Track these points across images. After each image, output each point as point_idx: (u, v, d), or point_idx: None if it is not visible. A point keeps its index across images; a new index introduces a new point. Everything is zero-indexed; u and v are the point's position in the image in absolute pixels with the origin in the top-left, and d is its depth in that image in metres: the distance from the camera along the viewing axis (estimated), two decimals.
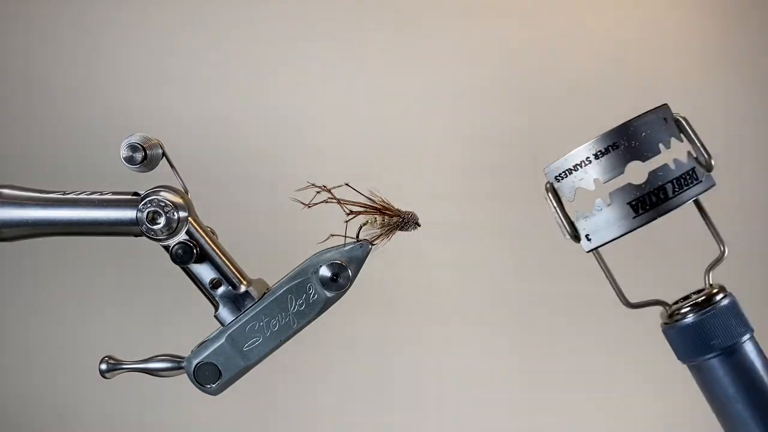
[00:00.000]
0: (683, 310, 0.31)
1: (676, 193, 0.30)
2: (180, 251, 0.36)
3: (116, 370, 0.38)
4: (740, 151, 0.99)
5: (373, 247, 0.37)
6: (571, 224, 0.32)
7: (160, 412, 0.92)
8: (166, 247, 0.36)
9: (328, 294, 0.36)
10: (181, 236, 0.36)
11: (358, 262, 0.36)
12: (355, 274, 0.36)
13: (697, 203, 0.33)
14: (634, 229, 0.30)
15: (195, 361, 0.37)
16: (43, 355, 0.92)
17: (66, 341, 0.92)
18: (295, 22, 0.94)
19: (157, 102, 0.93)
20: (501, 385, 0.94)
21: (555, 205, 0.32)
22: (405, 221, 0.37)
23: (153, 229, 0.36)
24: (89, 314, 0.92)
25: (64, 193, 0.37)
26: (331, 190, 0.36)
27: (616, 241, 0.30)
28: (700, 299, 0.31)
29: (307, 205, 0.36)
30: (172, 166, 0.38)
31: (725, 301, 0.30)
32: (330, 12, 0.94)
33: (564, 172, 0.31)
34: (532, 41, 0.96)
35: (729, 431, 0.30)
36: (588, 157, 0.30)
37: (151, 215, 0.36)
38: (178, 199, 0.36)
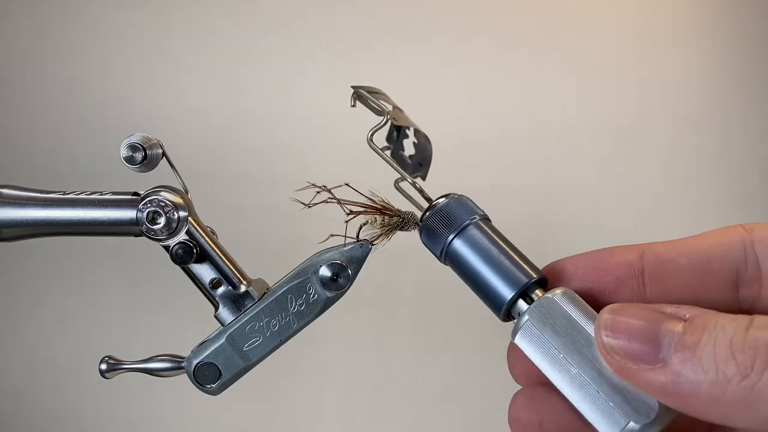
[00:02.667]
0: (426, 214, 0.36)
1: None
2: (180, 251, 0.36)
3: (116, 370, 0.38)
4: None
5: (373, 247, 0.37)
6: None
7: (160, 412, 0.92)
8: (166, 247, 0.36)
9: (328, 294, 0.36)
10: (181, 236, 0.36)
11: (358, 262, 0.36)
12: (355, 274, 0.36)
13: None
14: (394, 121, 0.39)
15: (195, 361, 0.37)
16: (43, 355, 0.92)
17: (66, 341, 0.92)
18: (296, 22, 0.95)
19: (157, 102, 0.93)
20: (502, 385, 0.94)
21: (370, 99, 0.38)
22: (405, 221, 0.37)
23: (153, 229, 0.36)
24: (89, 314, 0.92)
25: (64, 193, 0.37)
26: (331, 190, 0.36)
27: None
28: (435, 202, 0.36)
29: (307, 205, 0.36)
30: (172, 166, 0.38)
31: (454, 196, 0.36)
32: (332, 12, 0.95)
33: (369, 90, 0.39)
34: (534, 44, 0.96)
35: (482, 297, 0.34)
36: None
37: (151, 215, 0.36)
38: (178, 199, 0.36)
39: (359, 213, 0.36)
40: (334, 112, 0.94)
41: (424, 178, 0.40)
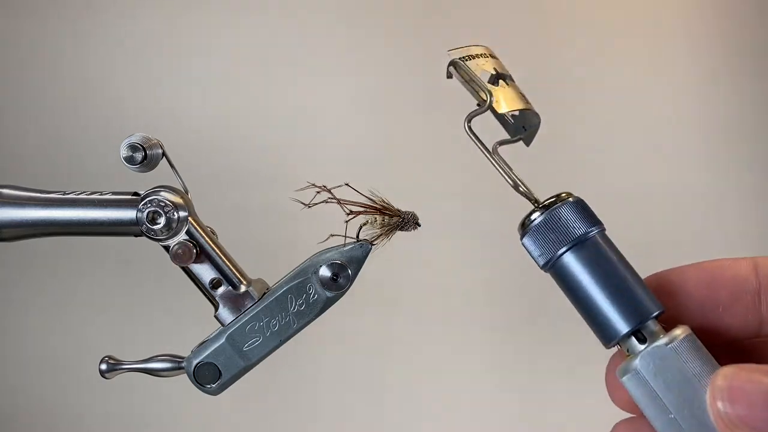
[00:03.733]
0: (532, 216, 0.32)
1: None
2: (180, 251, 0.36)
3: (116, 370, 0.38)
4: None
5: (373, 247, 0.37)
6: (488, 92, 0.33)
7: (160, 412, 0.92)
8: (166, 247, 0.36)
9: (328, 294, 0.36)
10: (181, 236, 0.36)
11: (358, 262, 0.36)
12: (355, 274, 0.36)
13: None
14: (532, 109, 0.34)
15: (195, 361, 0.37)
16: (43, 355, 0.92)
17: (66, 341, 0.92)
18: (295, 21, 0.94)
19: (156, 102, 0.93)
20: (501, 385, 0.94)
21: (472, 72, 0.34)
22: (405, 221, 0.37)
23: (153, 229, 0.36)
24: (89, 314, 0.92)
25: (64, 193, 0.37)
26: (331, 190, 0.36)
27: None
28: (546, 202, 0.32)
29: (307, 205, 0.36)
30: (172, 166, 0.38)
31: (571, 199, 0.31)
32: (331, 11, 0.94)
33: (468, 56, 0.34)
34: (530, 39, 0.96)
35: (588, 320, 0.31)
36: (486, 53, 0.35)
37: (151, 215, 0.36)
38: (178, 199, 0.37)
39: (359, 213, 0.36)
40: (334, 111, 0.94)
41: (527, 144, 0.35)
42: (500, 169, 0.33)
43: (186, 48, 0.93)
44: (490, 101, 0.33)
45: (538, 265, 0.32)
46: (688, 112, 0.99)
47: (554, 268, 0.31)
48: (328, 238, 0.37)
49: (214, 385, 0.37)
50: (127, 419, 0.92)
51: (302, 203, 0.36)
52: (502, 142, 0.34)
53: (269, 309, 0.36)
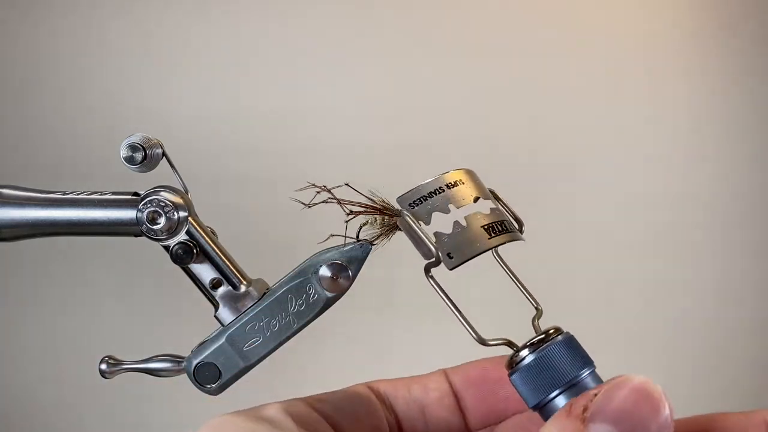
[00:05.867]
0: (521, 353, 0.31)
1: (512, 228, 0.33)
2: (180, 251, 0.36)
3: (116, 370, 0.38)
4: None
5: (373, 247, 0.36)
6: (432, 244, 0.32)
7: (160, 412, 0.92)
8: (166, 247, 0.36)
9: (328, 294, 0.36)
10: (181, 236, 0.36)
11: (358, 262, 0.36)
12: (355, 274, 0.36)
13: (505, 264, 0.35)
14: (492, 249, 0.32)
15: (195, 361, 0.37)
16: (43, 355, 0.92)
17: (66, 341, 0.92)
18: (295, 21, 0.94)
19: (156, 102, 0.93)
20: None
21: (415, 228, 0.32)
22: None
23: (153, 229, 0.36)
24: (89, 314, 0.92)
25: (64, 193, 0.37)
26: (331, 190, 0.36)
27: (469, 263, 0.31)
28: (535, 339, 0.31)
29: (307, 205, 0.36)
30: (172, 166, 0.38)
31: (560, 338, 0.31)
32: (330, 11, 0.94)
33: (419, 199, 0.33)
34: (531, 39, 0.96)
35: None
36: (441, 187, 0.33)
37: (151, 215, 0.36)
38: (178, 199, 0.36)
39: (359, 213, 0.36)
40: (333, 112, 0.94)
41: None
42: (466, 325, 0.33)
43: (186, 47, 0.93)
44: (438, 258, 0.32)
45: (527, 405, 0.31)
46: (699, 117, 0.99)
47: (544, 413, 0.30)
48: (328, 238, 0.37)
49: (214, 385, 0.37)
50: (127, 419, 0.92)
51: (302, 203, 0.36)
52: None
53: (269, 309, 0.36)
